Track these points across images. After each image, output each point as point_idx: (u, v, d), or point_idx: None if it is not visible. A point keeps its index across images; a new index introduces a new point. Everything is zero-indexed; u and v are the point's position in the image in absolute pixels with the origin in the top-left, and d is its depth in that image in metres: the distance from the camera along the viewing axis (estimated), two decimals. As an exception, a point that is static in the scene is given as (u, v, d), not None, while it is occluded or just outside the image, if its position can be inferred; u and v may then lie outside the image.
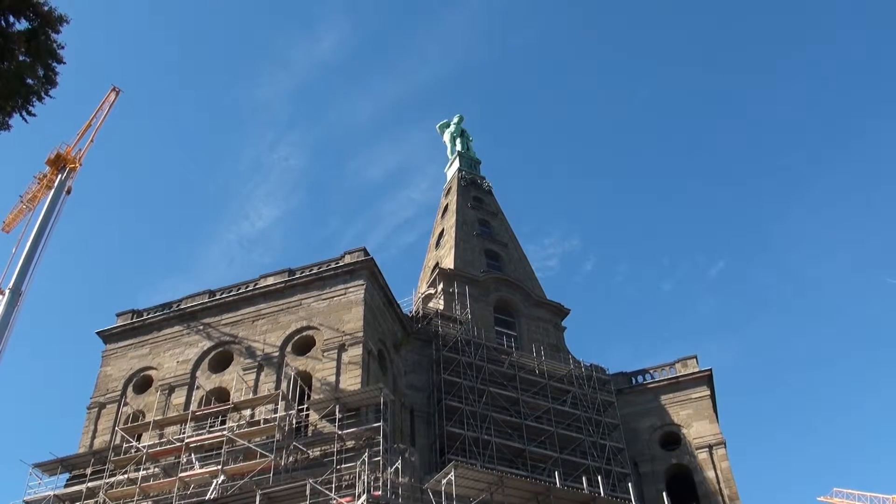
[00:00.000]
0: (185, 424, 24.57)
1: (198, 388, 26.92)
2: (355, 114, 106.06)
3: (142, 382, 28.35)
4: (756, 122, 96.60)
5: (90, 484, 23.78)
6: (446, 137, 51.23)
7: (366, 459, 20.41)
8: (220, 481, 21.55)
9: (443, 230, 43.01)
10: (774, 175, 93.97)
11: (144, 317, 30.10)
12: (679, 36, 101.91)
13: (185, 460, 23.20)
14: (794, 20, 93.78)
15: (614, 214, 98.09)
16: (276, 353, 26.69)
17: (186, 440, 23.39)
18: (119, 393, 27.94)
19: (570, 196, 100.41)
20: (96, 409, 27.66)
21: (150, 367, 28.52)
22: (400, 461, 21.02)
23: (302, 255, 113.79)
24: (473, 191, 45.66)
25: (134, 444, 24.66)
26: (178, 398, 26.89)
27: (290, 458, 22.15)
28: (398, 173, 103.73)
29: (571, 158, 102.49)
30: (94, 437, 26.76)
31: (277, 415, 23.26)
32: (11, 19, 9.67)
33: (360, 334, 26.09)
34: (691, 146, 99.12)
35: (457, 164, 47.99)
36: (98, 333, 30.20)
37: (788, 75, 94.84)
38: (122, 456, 24.17)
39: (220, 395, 26.58)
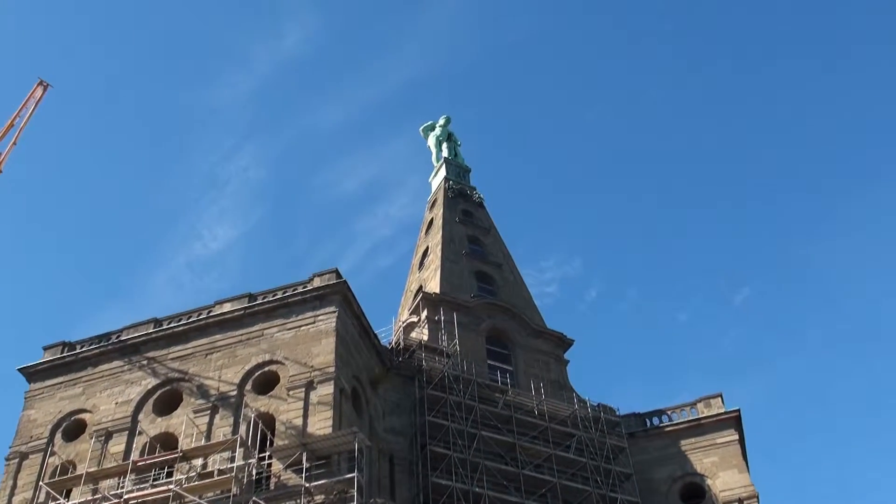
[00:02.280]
0: (125, 477, 24.33)
1: (140, 433, 26.69)
2: (325, 119, 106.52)
3: (73, 428, 28.12)
4: (788, 130, 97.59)
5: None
6: (431, 142, 51.76)
7: (338, 517, 19.63)
8: (165, 544, 21.20)
9: (427, 248, 43.16)
10: (808, 190, 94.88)
11: (77, 350, 29.90)
12: (698, 29, 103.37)
13: (124, 519, 22.84)
14: (842, 20, 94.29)
15: (622, 234, 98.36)
16: (234, 392, 26.62)
17: (126, 496, 23.10)
18: (45, 441, 27.67)
19: (571, 212, 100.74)
20: (16, 461, 27.34)
21: (84, 410, 28.35)
22: (378, 518, 20.80)
23: (264, 279, 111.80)
24: (462, 203, 46.06)
25: (62, 501, 24.22)
26: (117, 446, 26.62)
27: (249, 516, 21.56)
28: (374, 186, 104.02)
29: (572, 169, 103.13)
30: (12, 493, 26.44)
31: (234, 464, 23.08)
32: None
33: (332, 370, 26.11)
34: (710, 155, 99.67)
35: (443, 172, 48.44)
36: (20, 370, 29.99)
37: (826, 80, 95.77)
38: (48, 515, 23.73)
39: (167, 441, 26.34)
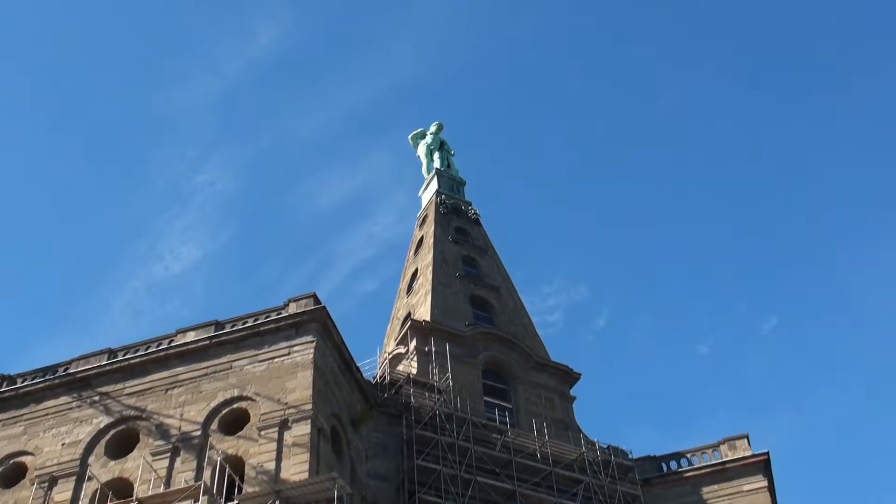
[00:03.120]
0: (72, 529, 24.01)
1: (90, 479, 26.42)
2: (301, 126, 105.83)
3: (11, 473, 27.89)
4: (821, 139, 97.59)
5: None
6: (421, 151, 52.10)
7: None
8: None
9: (416, 271, 43.27)
10: (842, 209, 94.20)
11: (18, 385, 29.77)
12: (715, 29, 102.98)
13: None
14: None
15: (633, 256, 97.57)
16: (197, 433, 26.52)
17: (73, 550, 22.80)
18: (-21, 487, 27.29)
19: (577, 232, 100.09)
20: (-55, 511, 26.81)
21: (25, 452, 28.19)
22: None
23: (232, 305, 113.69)
24: (456, 220, 46.35)
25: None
26: (62, 493, 26.40)
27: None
28: (357, 201, 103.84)
29: (578, 184, 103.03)
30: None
31: (197, 515, 22.53)
32: None
33: (309, 407, 26.11)
34: (733, 168, 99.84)
35: (435, 185, 48.75)
36: (-47, 407, 29.31)
37: (863, 85, 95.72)
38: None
39: (121, 488, 26.11)
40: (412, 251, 46.27)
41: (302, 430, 25.78)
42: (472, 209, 48.10)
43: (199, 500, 23.68)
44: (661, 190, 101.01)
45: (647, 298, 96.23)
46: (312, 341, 27.99)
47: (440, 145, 51.98)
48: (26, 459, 28.09)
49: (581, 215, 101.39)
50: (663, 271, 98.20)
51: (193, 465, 25.59)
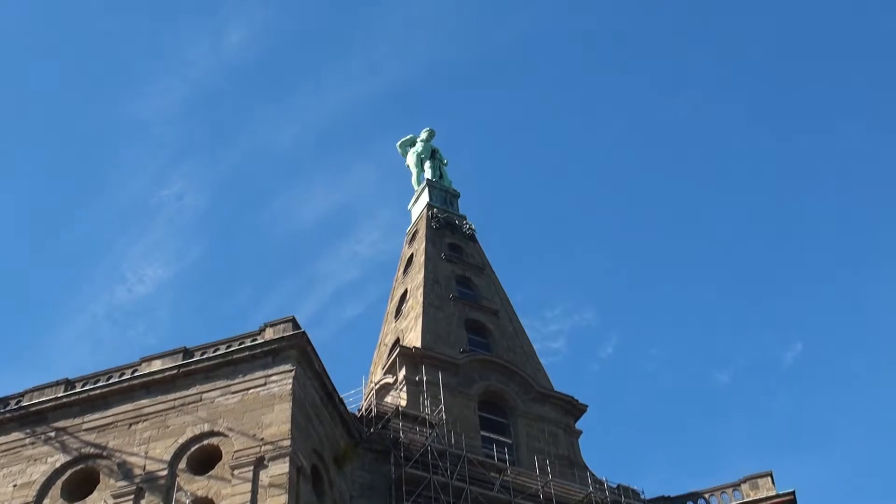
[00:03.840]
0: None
1: (45, 524, 26.07)
2: (277, 135, 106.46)
3: (-42, 517, 27.50)
4: (847, 156, 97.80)
5: None
6: (410, 160, 52.51)
7: None
8: None
9: (405, 292, 43.54)
10: (872, 226, 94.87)
11: (-34, 419, 29.24)
12: (738, 26, 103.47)
13: None
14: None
15: (644, 277, 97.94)
16: (164, 472, 26.52)
17: None
18: (-78, 534, 27.19)
19: (583, 250, 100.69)
20: None
21: (-27, 494, 27.68)
22: None
23: (202, 331, 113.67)
24: (449, 236, 46.68)
25: None
26: (15, 540, 26.00)
27: None
28: (339, 218, 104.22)
29: (584, 197, 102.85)
30: None
31: (164, 563, 22.50)
32: None
33: (287, 443, 26.18)
34: (753, 181, 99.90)
35: (426, 197, 49.12)
36: None
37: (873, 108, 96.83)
38: None
39: (79, 534, 25.69)
40: (401, 270, 46.48)
41: (280, 468, 25.82)
42: (467, 224, 48.33)
43: (166, 547, 23.78)
44: (674, 205, 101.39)
45: (660, 323, 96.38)
46: (291, 370, 28.08)
47: (431, 153, 52.32)
48: (-26, 502, 27.81)
49: (587, 232, 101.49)
50: (677, 293, 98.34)
51: (160, 507, 25.01)
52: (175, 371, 28.89)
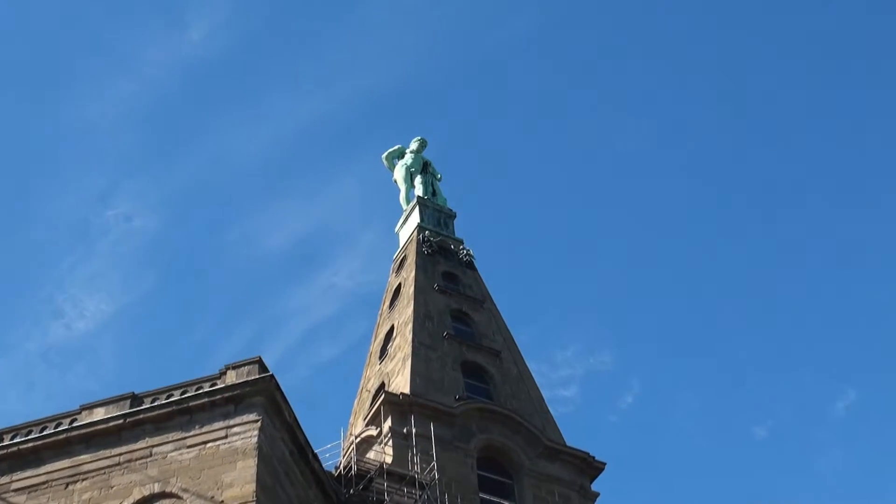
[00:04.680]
0: None
1: None
2: (243, 146, 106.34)
3: None
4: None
5: None
6: (398, 174, 52.28)
7: None
8: None
9: (392, 329, 43.33)
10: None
11: None
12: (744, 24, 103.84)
13: None
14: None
15: (671, 313, 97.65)
16: (106, 541, 25.71)
17: None
18: None
19: (598, 281, 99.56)
20: None
21: None
22: None
23: (152, 375, 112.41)
24: (443, 263, 46.42)
25: None
26: None
27: None
28: (313, 243, 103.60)
29: (598, 220, 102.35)
30: None
31: None
32: None
33: (252, 506, 25.36)
34: (793, 198, 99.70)
35: (416, 218, 48.83)
36: None
37: None
38: None
39: None
40: (386, 304, 46.24)
41: (243, 537, 25.08)
42: (464, 249, 48.13)
43: None
44: (704, 229, 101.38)
45: (689, 367, 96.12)
46: (257, 421, 27.79)
47: (423, 167, 52.13)
48: None
49: (604, 261, 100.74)
50: (708, 333, 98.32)
51: (100, 583, 24.89)
52: (121, 421, 28.58)
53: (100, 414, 29.05)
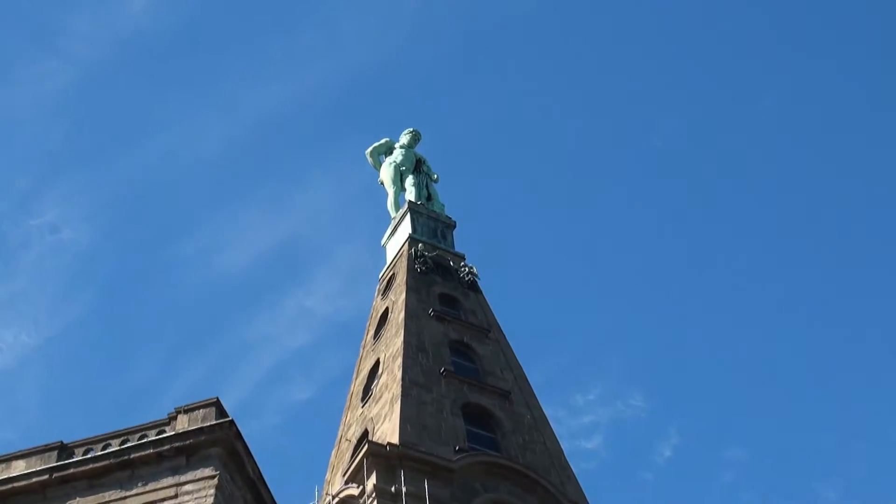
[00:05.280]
0: None
1: None
2: (195, 143, 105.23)
3: None
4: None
5: None
6: (386, 174, 51.31)
7: None
8: None
9: (377, 365, 42.39)
10: None
11: None
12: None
13: None
14: None
15: (717, 346, 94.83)
16: None
17: None
18: None
19: (627, 307, 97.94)
20: None
21: None
22: None
23: (85, 420, 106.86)
24: (441, 283, 45.54)
25: None
26: None
27: None
28: (281, 259, 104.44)
29: (626, 230, 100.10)
30: None
31: None
32: None
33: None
34: (855, 217, 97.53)
35: (407, 227, 47.79)
36: None
37: None
38: None
39: None
40: (370, 333, 45.38)
41: None
42: (465, 266, 46.97)
43: None
44: (752, 244, 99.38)
45: (740, 414, 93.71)
46: (213, 477, 26.98)
47: (416, 165, 51.15)
48: None
49: (636, 282, 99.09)
50: (766, 371, 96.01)
51: None
52: (46, 476, 27.67)
53: (20, 468, 28.26)
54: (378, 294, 47.04)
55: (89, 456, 28.11)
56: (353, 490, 35.56)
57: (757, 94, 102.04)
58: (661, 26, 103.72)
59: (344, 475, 36.95)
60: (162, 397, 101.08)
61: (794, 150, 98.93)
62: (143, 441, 28.14)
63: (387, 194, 51.05)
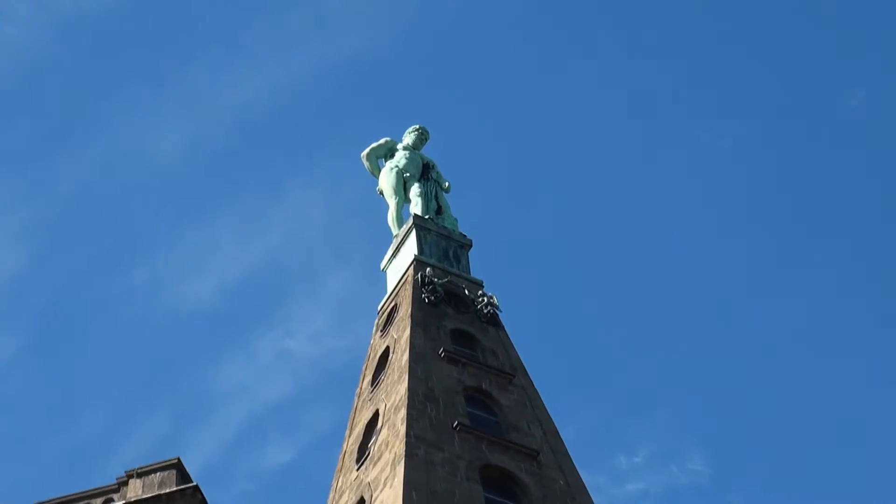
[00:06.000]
0: None
1: None
2: (150, 145, 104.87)
3: None
4: None
5: None
6: (386, 181, 50.30)
7: None
8: None
9: (377, 416, 41.34)
10: None
11: None
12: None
13: None
14: None
15: (789, 396, 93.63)
16: None
17: None
18: None
19: (683, 346, 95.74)
20: None
21: None
22: None
23: (19, 484, 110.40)
24: (454, 315, 44.45)
25: None
26: None
27: None
28: (256, 287, 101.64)
29: (675, 250, 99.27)
30: None
31: None
32: None
33: None
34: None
35: (412, 247, 46.70)
36: None
37: None
38: None
39: None
40: (366, 379, 44.40)
41: None
42: (484, 296, 45.70)
43: None
44: (840, 260, 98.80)
45: (827, 479, 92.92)
46: None
47: (423, 170, 50.08)
48: None
49: (691, 313, 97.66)
50: (861, 423, 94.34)
51: None
52: None
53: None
54: (376, 330, 46.24)
55: (22, 531, 29.36)
56: (347, 575, 36.36)
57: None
58: (723, 21, 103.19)
59: (336, 555, 37.56)
60: (110, 457, 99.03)
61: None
62: (88, 511, 29.65)
63: (387, 207, 50.14)
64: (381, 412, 41.06)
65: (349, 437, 43.00)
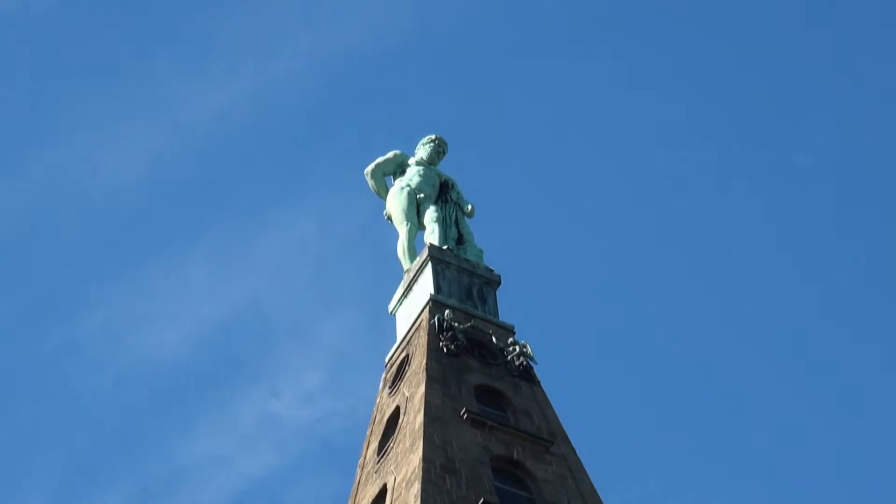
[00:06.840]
0: None
1: None
2: (105, 163, 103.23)
3: None
4: None
5: None
6: (394, 204, 49.64)
7: None
8: None
9: (384, 492, 40.05)
10: None
11: None
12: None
13: None
14: None
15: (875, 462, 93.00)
16: None
17: None
18: None
19: (743, 409, 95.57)
20: None
21: None
22: None
23: None
24: (479, 369, 43.33)
25: None
26: None
27: None
28: (231, 341, 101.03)
29: (734, 286, 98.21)
30: None
31: None
32: None
33: None
34: None
35: (428, 285, 45.86)
36: None
37: None
38: None
39: None
40: (371, 447, 43.29)
41: None
42: (515, 345, 44.44)
43: None
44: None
45: None
46: None
47: (441, 191, 49.34)
48: None
49: (752, 371, 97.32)
50: None
51: None
52: None
53: None
54: (383, 387, 45.17)
55: None
56: None
57: None
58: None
59: None
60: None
61: None
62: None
63: (396, 235, 49.42)
64: (389, 487, 39.93)
65: (350, 513, 46.20)
